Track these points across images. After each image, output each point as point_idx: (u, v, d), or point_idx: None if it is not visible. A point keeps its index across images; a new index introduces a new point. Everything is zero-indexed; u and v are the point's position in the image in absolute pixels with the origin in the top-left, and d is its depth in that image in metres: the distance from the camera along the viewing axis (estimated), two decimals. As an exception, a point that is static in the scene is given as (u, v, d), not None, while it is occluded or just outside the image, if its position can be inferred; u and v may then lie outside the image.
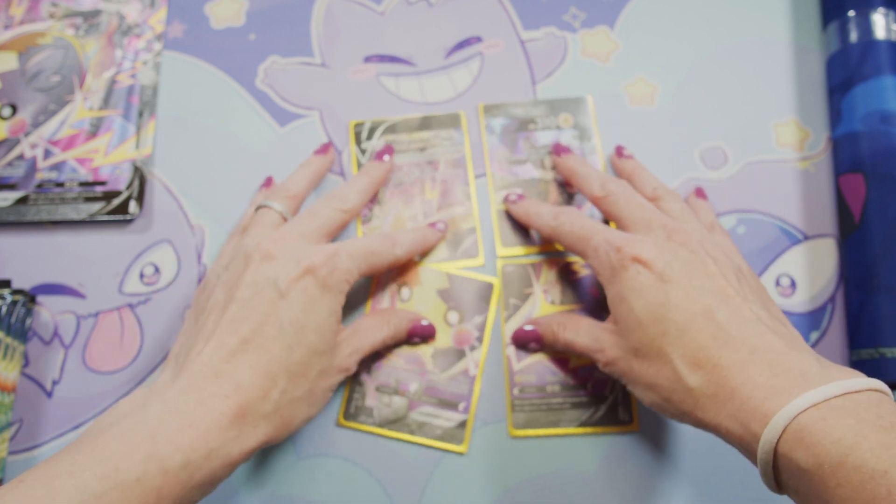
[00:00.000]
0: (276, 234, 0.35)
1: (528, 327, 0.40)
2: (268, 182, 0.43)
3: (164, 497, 0.27)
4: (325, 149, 0.43)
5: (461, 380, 0.40)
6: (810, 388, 0.26)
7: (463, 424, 0.39)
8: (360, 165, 0.43)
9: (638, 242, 0.34)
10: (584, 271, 0.42)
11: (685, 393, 0.30)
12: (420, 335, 0.40)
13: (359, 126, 0.44)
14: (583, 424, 0.39)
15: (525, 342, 0.40)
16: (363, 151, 0.44)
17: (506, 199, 0.42)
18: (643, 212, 0.36)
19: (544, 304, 0.41)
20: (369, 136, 0.44)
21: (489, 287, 0.41)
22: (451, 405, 0.39)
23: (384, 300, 0.41)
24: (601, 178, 0.39)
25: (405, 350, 0.40)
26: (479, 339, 0.40)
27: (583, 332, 0.36)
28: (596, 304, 0.41)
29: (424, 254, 0.42)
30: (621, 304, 0.33)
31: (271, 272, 0.33)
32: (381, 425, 0.39)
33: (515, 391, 0.40)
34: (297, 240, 0.35)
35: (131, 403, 0.30)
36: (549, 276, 0.41)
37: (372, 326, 0.38)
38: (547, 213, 0.39)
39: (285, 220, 0.38)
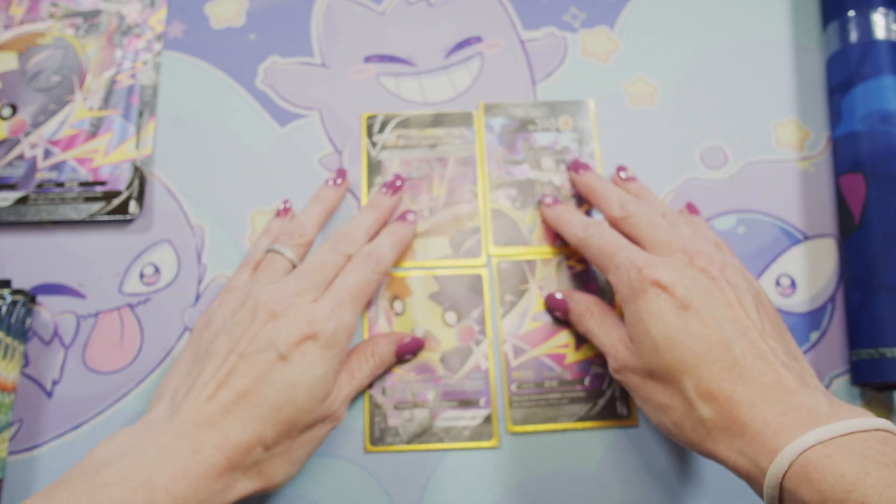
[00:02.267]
0: (285, 290, 0.35)
1: (559, 296, 0.40)
2: (283, 212, 0.42)
3: None
4: (339, 176, 0.42)
5: (475, 376, 0.40)
6: (818, 426, 0.27)
7: (488, 419, 0.39)
8: (370, 158, 0.43)
9: (659, 265, 0.34)
10: (579, 266, 0.42)
11: (697, 423, 0.31)
12: (410, 351, 0.39)
13: (371, 119, 0.44)
14: (581, 419, 0.39)
15: (553, 309, 0.40)
16: (374, 144, 0.44)
17: (541, 201, 0.42)
18: (663, 233, 0.36)
19: (540, 300, 0.41)
20: (381, 130, 0.44)
21: (478, 279, 0.41)
22: (471, 403, 0.39)
23: (379, 318, 0.41)
24: (620, 197, 0.39)
25: (412, 362, 0.40)
26: (483, 332, 0.40)
27: (605, 329, 0.37)
28: None
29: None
30: (638, 325, 0.33)
31: (274, 332, 0.34)
32: (409, 441, 0.38)
33: (513, 387, 0.40)
34: (303, 296, 0.35)
35: (127, 440, 0.31)
36: (544, 271, 0.41)
37: (356, 366, 0.38)
38: (578, 224, 0.39)
39: (294, 266, 0.39)
